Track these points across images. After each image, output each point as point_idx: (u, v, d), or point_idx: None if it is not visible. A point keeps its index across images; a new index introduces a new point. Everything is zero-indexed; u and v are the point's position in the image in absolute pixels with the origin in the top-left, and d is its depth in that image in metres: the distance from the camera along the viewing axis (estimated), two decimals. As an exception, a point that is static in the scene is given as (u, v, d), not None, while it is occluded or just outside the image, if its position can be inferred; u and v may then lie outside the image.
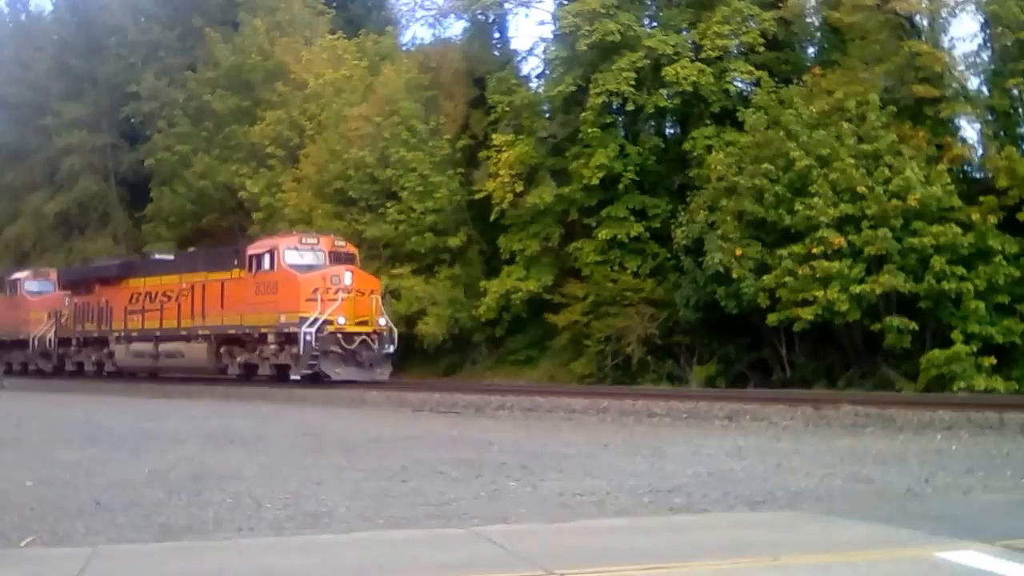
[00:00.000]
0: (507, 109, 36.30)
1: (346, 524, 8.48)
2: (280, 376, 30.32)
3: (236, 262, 30.85)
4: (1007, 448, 13.52)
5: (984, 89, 29.43)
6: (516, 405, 21.96)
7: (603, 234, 33.50)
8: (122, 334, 35.87)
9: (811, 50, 36.47)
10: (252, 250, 30.62)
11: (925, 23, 29.76)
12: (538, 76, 39.21)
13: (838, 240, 26.48)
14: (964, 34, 30.07)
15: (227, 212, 47.89)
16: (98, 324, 37.38)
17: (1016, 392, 24.54)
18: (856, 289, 25.98)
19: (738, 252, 28.18)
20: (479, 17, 39.90)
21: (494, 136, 36.52)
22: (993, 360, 25.41)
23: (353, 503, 9.40)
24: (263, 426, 18.47)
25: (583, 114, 33.46)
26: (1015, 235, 26.65)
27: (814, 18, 35.18)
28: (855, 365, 28.08)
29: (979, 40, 29.50)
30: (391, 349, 29.35)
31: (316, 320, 27.79)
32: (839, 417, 17.75)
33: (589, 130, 33.41)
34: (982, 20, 29.20)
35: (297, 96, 43.64)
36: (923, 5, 29.17)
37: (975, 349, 25.51)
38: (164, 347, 33.75)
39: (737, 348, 30.90)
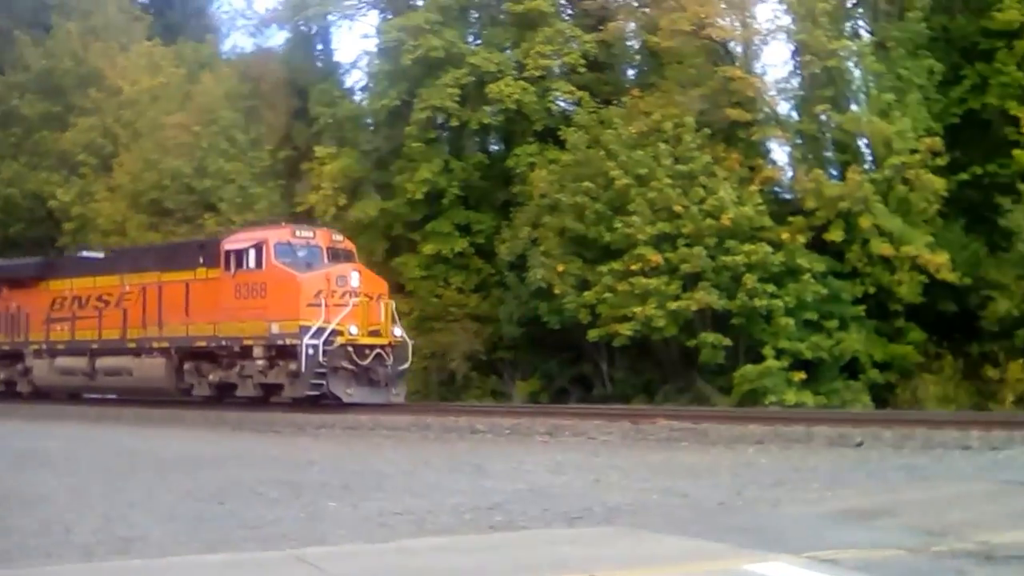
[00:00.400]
0: (330, 121, 35.85)
1: (159, 548, 8.27)
2: (265, 399, 25.68)
3: (203, 259, 26.13)
4: (814, 461, 14.05)
5: (794, 114, 30.55)
6: (338, 423, 21.75)
7: (428, 249, 33.42)
8: (43, 347, 30.46)
9: (631, 72, 37.11)
10: (230, 244, 25.60)
11: (739, 50, 30.63)
12: (362, 89, 38.93)
13: (655, 257, 27.04)
14: (776, 61, 31.21)
15: (36, 222, 45.99)
16: (9, 335, 31.87)
17: (824, 406, 25.45)
18: (673, 305, 26.54)
19: (560, 268, 28.61)
20: (301, 28, 39.35)
21: (317, 148, 35.97)
22: (802, 375, 26.29)
23: (167, 526, 9.18)
24: (74, 446, 17.90)
25: (407, 128, 33.30)
26: (822, 254, 27.67)
27: (634, 42, 35.79)
28: (672, 380, 28.67)
29: (789, 67, 30.74)
30: (407, 365, 25.51)
31: (322, 330, 23.26)
32: (655, 432, 18.17)
33: (413, 144, 33.31)
34: (792, 48, 30.32)
35: (112, 103, 42.32)
36: (737, 32, 30.09)
37: (785, 364, 26.34)
38: (103, 363, 28.43)
39: (559, 363, 31.24)
